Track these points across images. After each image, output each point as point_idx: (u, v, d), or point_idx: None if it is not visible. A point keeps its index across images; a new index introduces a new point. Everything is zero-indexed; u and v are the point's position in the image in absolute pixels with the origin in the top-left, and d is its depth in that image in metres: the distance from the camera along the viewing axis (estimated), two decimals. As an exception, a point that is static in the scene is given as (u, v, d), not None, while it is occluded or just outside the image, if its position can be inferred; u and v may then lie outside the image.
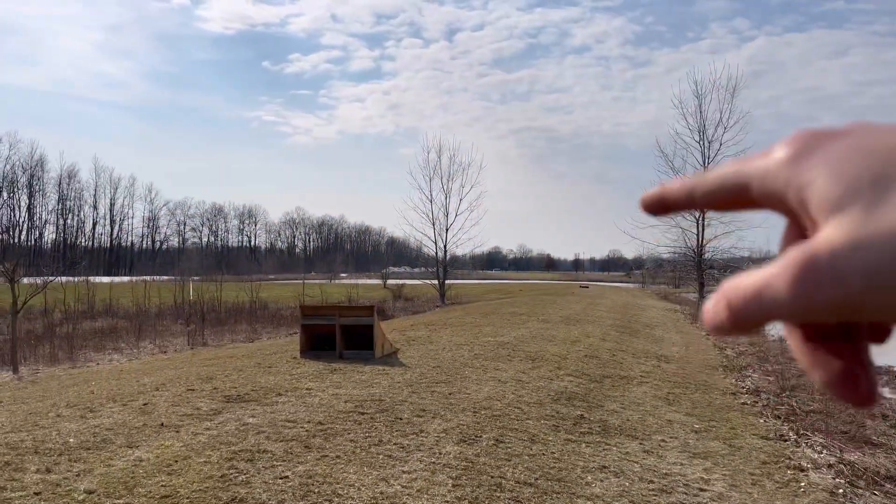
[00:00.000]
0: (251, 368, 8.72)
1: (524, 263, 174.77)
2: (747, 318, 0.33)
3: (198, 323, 20.46)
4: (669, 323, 21.11)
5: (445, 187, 35.70)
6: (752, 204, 0.37)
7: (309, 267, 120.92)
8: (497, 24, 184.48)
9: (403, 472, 4.55)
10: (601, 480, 4.77)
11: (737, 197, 0.37)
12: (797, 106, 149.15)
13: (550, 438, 5.74)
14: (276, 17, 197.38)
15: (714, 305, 0.35)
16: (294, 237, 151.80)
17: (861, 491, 5.26)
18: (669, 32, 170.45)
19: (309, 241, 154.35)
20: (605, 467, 5.09)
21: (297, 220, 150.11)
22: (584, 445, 5.65)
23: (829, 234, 0.30)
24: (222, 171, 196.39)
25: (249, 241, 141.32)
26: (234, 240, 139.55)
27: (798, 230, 0.36)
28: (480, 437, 5.57)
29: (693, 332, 18.71)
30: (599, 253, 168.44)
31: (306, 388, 7.22)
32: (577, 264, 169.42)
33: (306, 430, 5.47)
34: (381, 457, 4.85)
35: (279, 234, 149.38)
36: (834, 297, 0.29)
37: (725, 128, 30.84)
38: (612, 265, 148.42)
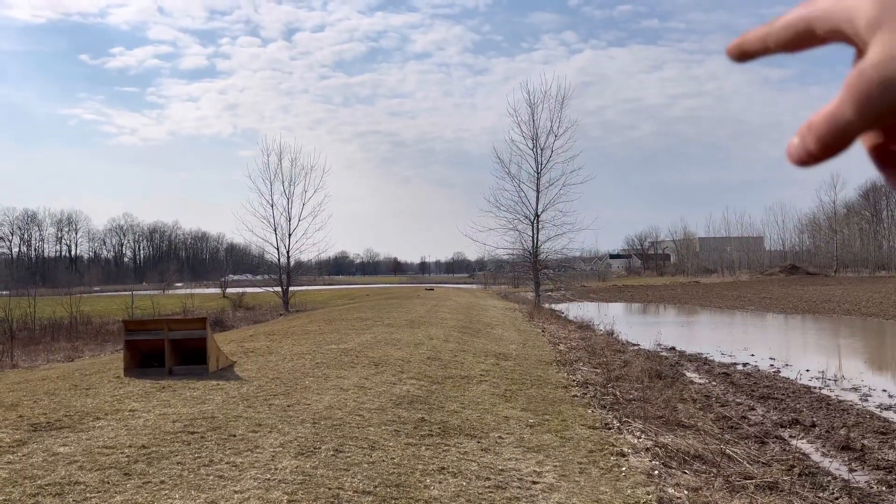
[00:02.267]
0: (66, 391, 7.92)
1: (372, 268, 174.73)
2: (830, 141, 0.40)
3: (5, 343, 18.31)
4: (508, 322, 21.99)
5: (287, 191, 34.80)
6: (820, 41, 0.43)
7: (140, 277, 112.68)
8: (338, 25, 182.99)
9: (235, 492, 4.32)
10: (440, 482, 4.83)
11: (804, 39, 0.44)
12: (620, 115, 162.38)
13: (391, 444, 5.72)
14: (95, 7, 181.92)
15: (800, 138, 0.41)
16: (122, 245, 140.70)
17: (674, 470, 5.74)
18: (506, 42, 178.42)
19: (139, 250, 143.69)
20: (443, 468, 5.16)
21: (124, 227, 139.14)
22: (423, 448, 5.69)
23: (873, 50, 0.37)
24: (36, 174, 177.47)
25: (69, 251, 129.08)
26: (50, 249, 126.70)
27: (860, 57, 0.41)
28: (319, 448, 5.43)
29: (530, 329, 19.62)
30: (445, 255, 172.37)
31: (129, 410, 6.67)
32: (423, 267, 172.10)
33: (127, 456, 5.04)
34: (210, 478, 4.58)
35: (104, 243, 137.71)
36: (884, 104, 0.36)
37: (556, 136, 32.89)
38: (457, 267, 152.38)
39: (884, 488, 6.39)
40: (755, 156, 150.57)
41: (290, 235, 34.52)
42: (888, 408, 10.33)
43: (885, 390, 11.81)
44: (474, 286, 73.15)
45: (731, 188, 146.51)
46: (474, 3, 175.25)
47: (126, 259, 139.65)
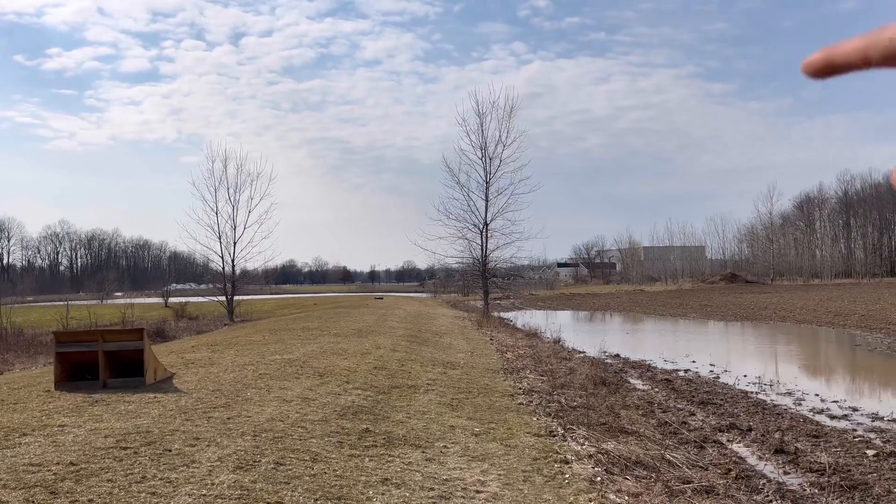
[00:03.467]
0: (-9, 407, 7.53)
1: (320, 276, 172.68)
2: (854, 58, 0.40)
3: (-73, 356, 17.36)
4: (457, 330, 22.03)
5: (232, 199, 34.15)
6: None
7: (76, 286, 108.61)
8: (286, 31, 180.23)
9: (169, 509, 4.17)
10: (382, 493, 4.76)
11: None
12: (569, 126, 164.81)
13: (333, 456, 5.63)
14: (31, 7, 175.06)
15: (823, 50, 0.42)
16: (58, 253, 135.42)
17: (616, 476, 5.81)
18: (456, 51, 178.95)
19: (76, 258, 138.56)
20: (387, 479, 5.10)
21: (60, 235, 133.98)
22: (367, 459, 5.62)
23: None
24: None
25: (1, 259, 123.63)
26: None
27: None
28: (259, 461, 5.30)
29: (478, 338, 19.70)
30: (394, 264, 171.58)
31: (58, 425, 6.39)
32: (373, 276, 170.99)
33: (54, 474, 4.82)
34: (143, 495, 4.40)
35: (39, 251, 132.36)
36: None
37: (505, 145, 33.20)
38: (407, 276, 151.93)
39: (816, 490, 6.60)
40: (698, 168, 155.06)
41: (235, 243, 33.89)
42: (820, 412, 10.72)
43: (817, 394, 12.25)
44: (424, 295, 73.13)
45: (674, 199, 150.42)
46: (424, 12, 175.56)
47: (62, 268, 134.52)
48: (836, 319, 29.09)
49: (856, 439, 8.69)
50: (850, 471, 7.11)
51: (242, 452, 5.51)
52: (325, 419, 6.93)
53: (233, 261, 33.94)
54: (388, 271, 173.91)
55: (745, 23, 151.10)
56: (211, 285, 37.04)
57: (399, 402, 8.30)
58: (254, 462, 5.27)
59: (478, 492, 5.05)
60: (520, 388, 10.28)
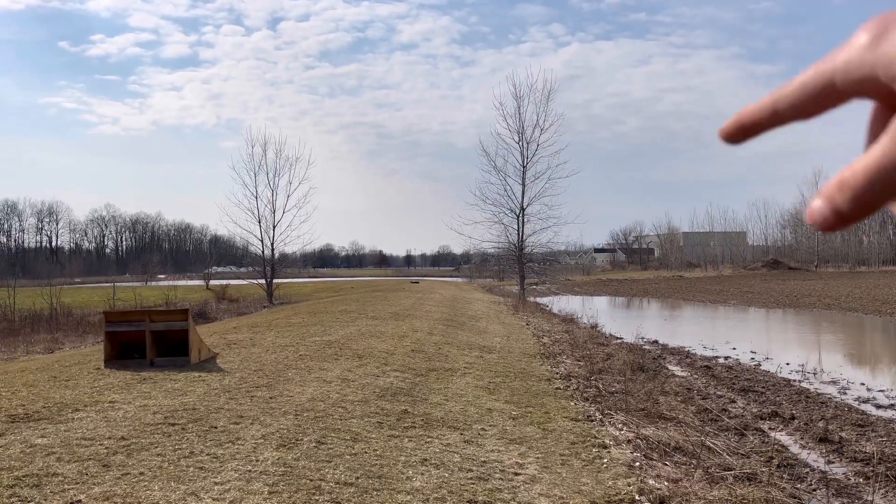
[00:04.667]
0: (45, 382, 7.83)
1: (357, 260, 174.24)
2: (872, 198, 0.35)
3: (-17, 334, 18.08)
4: (493, 315, 22.05)
5: (272, 183, 34.60)
6: (840, 98, 0.38)
7: (122, 269, 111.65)
8: (323, 15, 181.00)
9: (216, 483, 4.29)
10: (422, 474, 4.83)
11: (823, 96, 0.39)
12: (607, 109, 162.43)
13: (373, 436, 5.72)
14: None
15: (825, 200, 0.37)
16: (104, 236, 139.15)
17: (654, 462, 5.79)
18: (493, 34, 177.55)
19: (121, 241, 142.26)
20: (426, 460, 5.16)
21: (106, 218, 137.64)
22: (406, 440, 5.69)
23: None
24: (15, 164, 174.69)
25: (50, 242, 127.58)
26: (31, 240, 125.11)
27: (889, 109, 0.38)
28: (301, 440, 5.42)
29: (514, 322, 19.69)
30: (430, 248, 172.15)
31: (109, 402, 6.61)
32: (408, 260, 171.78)
33: (106, 448, 5.00)
34: (191, 469, 4.54)
35: (86, 234, 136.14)
36: None
37: (542, 129, 32.93)
38: (442, 260, 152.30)
39: (860, 480, 6.47)
40: (739, 152, 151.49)
41: (274, 227, 34.39)
42: (866, 401, 10.47)
43: (862, 384, 11.96)
44: (459, 279, 73.24)
45: (715, 183, 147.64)
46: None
47: (108, 250, 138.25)
48: (884, 308, 28.28)
49: (903, 430, 8.48)
50: (896, 461, 6.95)
51: (285, 431, 5.64)
52: (364, 400, 7.03)
53: (272, 244, 34.49)
54: (423, 256, 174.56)
55: (792, 1, 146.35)
56: (251, 268, 37.68)
57: (436, 384, 8.37)
58: (296, 440, 5.39)
59: (516, 474, 5.08)
60: (557, 373, 10.27)
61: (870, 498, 5.85)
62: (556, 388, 8.91)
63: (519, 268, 34.60)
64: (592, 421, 7.06)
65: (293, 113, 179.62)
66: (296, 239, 35.57)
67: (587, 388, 9.15)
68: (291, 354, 9.87)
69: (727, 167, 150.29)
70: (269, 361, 9.22)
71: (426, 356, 10.48)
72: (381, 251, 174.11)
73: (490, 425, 6.52)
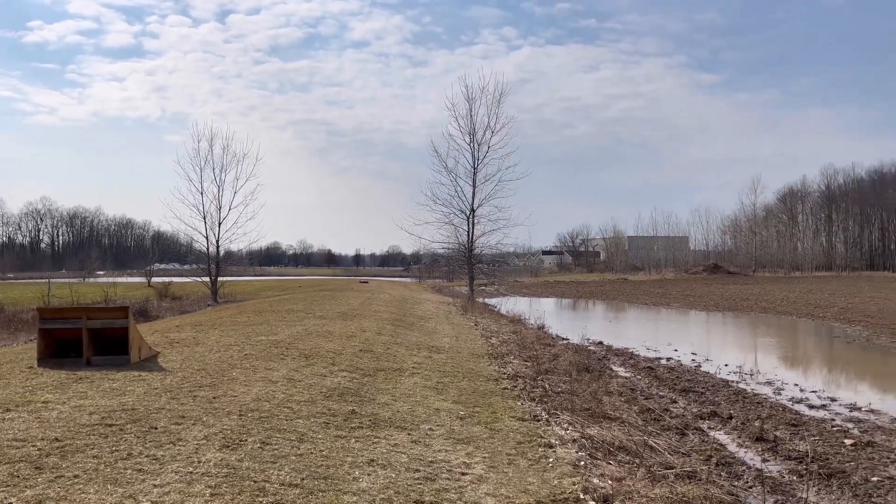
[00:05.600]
0: (-28, 382, 7.46)
1: (304, 259, 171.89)
2: None
3: None
4: (442, 315, 22.07)
5: (218, 179, 33.83)
6: None
7: (58, 264, 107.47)
8: (273, 9, 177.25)
9: (155, 486, 4.16)
10: (368, 474, 4.79)
11: None
12: (558, 113, 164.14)
13: (320, 436, 5.65)
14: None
15: None
16: (39, 231, 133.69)
17: (599, 461, 5.88)
18: (446, 34, 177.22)
19: (58, 236, 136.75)
20: (373, 461, 5.12)
21: (42, 212, 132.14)
22: (353, 440, 5.64)
23: None
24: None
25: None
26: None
27: None
28: (246, 440, 5.31)
29: (463, 323, 19.75)
30: (380, 248, 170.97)
31: (42, 402, 6.34)
32: (358, 259, 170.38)
33: (38, 449, 4.79)
34: (129, 472, 4.40)
35: (20, 228, 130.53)
36: None
37: (493, 132, 33.11)
38: (392, 260, 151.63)
39: (794, 477, 6.72)
40: (684, 158, 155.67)
41: (220, 224, 33.65)
42: (799, 401, 10.89)
43: (796, 384, 12.43)
44: (409, 280, 73.12)
45: (660, 189, 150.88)
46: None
47: (43, 245, 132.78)
48: (816, 311, 29.48)
49: (834, 428, 8.84)
50: (828, 459, 7.24)
51: (229, 431, 5.51)
52: (311, 400, 6.94)
53: (217, 241, 33.76)
54: (373, 255, 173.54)
55: (736, 13, 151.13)
56: (195, 266, 36.80)
57: (384, 384, 8.32)
58: (240, 441, 5.27)
59: (463, 474, 5.09)
60: (504, 373, 10.34)
61: (803, 495, 6.07)
62: (504, 389, 8.97)
63: (468, 268, 34.77)
64: (539, 421, 7.13)
65: (242, 108, 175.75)
66: (242, 236, 34.93)
67: (534, 388, 9.24)
68: (236, 354, 9.67)
69: (672, 174, 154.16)
70: (212, 361, 9.01)
71: (374, 356, 10.42)
72: (329, 250, 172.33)
73: (438, 425, 6.52)
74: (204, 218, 33.43)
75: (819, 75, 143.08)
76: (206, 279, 33.73)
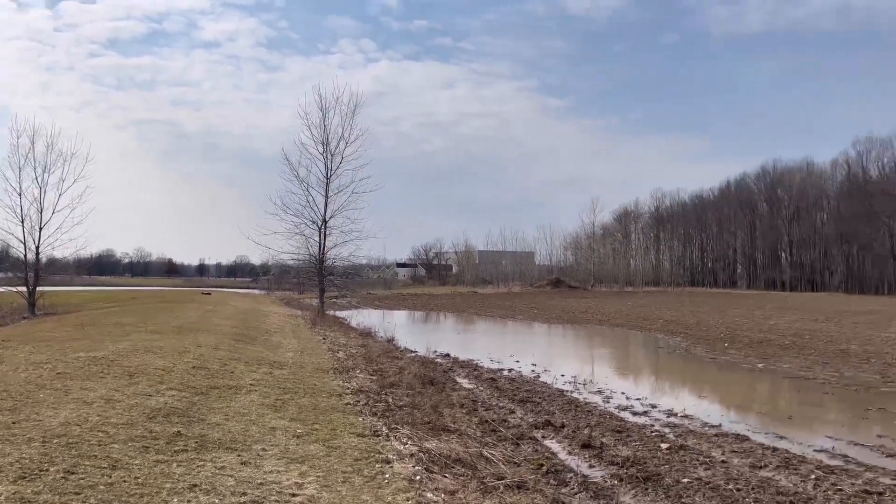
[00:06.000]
0: None
1: (142, 268, 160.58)
2: None
3: None
4: (289, 329, 21.44)
5: (39, 179, 30.69)
6: None
7: None
8: (112, 0, 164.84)
9: (-77, 529, 3.61)
10: (188, 501, 4.47)
11: None
12: (414, 128, 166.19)
13: (136, 462, 5.20)
14: None
15: None
16: None
17: (435, 475, 5.91)
18: (302, 41, 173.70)
19: None
20: (195, 486, 4.79)
21: None
22: (175, 465, 5.25)
23: None
24: None
25: None
26: None
27: None
28: (47, 470, 4.77)
29: (310, 336, 19.29)
30: (226, 258, 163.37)
31: None
32: (202, 269, 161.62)
33: None
34: None
35: None
36: None
37: (347, 142, 32.77)
38: (239, 270, 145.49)
39: (615, 482, 7.14)
40: (532, 178, 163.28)
41: (41, 228, 30.50)
42: (625, 408, 11.65)
43: (623, 392, 13.32)
44: (257, 291, 70.53)
45: (509, 206, 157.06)
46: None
47: None
48: (645, 324, 31.94)
49: (653, 434, 9.53)
50: (645, 463, 7.77)
51: (27, 460, 4.94)
52: (130, 422, 6.40)
53: (37, 248, 30.54)
54: (219, 265, 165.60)
55: (580, 43, 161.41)
56: (10, 274, 33.12)
57: (218, 403, 7.88)
58: (40, 471, 4.73)
59: (293, 495, 4.90)
60: (348, 388, 10.18)
61: (622, 499, 6.46)
62: (346, 404, 8.81)
63: (319, 280, 34.08)
64: (379, 436, 7.06)
65: (74, 103, 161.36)
66: (68, 242, 31.79)
67: (377, 402, 9.16)
68: (47, 373, 8.74)
69: (520, 192, 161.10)
70: (17, 381, 8.07)
71: (209, 373, 9.85)
72: (170, 259, 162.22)
73: (272, 445, 6.25)
74: (22, 221, 30.19)
75: (653, 106, 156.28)
76: (23, 289, 30.45)
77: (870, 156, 79.60)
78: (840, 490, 6.95)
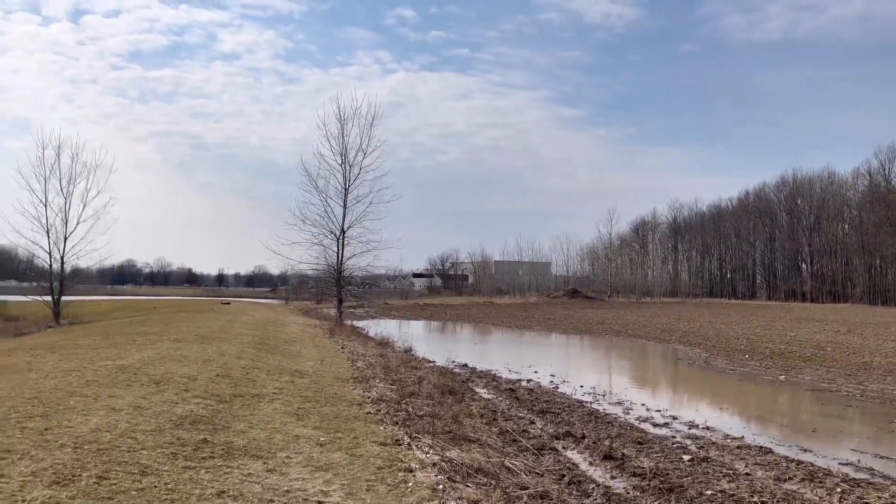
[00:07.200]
0: None
1: (163, 278, 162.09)
2: None
3: None
4: (308, 338, 21.57)
5: (65, 191, 31.23)
6: None
7: None
8: (135, 13, 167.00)
9: (-34, 531, 3.72)
10: (217, 507, 4.55)
11: None
12: (430, 139, 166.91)
13: (166, 468, 5.30)
14: None
15: None
16: None
17: (457, 484, 5.95)
18: (320, 53, 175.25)
19: None
20: (223, 492, 4.88)
21: None
22: (203, 471, 5.34)
23: None
24: None
25: None
26: None
27: None
28: (80, 475, 4.87)
29: (329, 346, 19.40)
30: (245, 268, 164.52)
31: None
32: (221, 279, 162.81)
33: None
34: (-66, 517, 3.90)
35: None
36: None
37: (365, 153, 33.00)
38: (258, 281, 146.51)
39: (638, 493, 7.13)
40: (548, 188, 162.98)
41: (66, 239, 31.02)
42: (645, 420, 11.61)
43: (643, 404, 13.26)
44: (276, 301, 70.94)
45: (525, 216, 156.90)
46: (288, 9, 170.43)
47: None
48: (663, 335, 31.74)
49: (674, 445, 9.50)
50: (668, 474, 7.75)
51: (60, 466, 5.04)
52: (158, 429, 6.51)
53: (62, 258, 31.05)
54: (237, 275, 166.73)
55: (596, 52, 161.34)
56: (36, 284, 33.66)
57: (242, 411, 7.97)
58: (73, 476, 4.84)
59: (319, 502, 4.96)
60: (368, 397, 10.24)
61: (644, 509, 6.45)
62: (367, 413, 8.87)
63: (337, 290, 34.26)
64: (400, 445, 7.11)
65: (96, 115, 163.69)
66: (91, 252, 32.28)
67: (398, 411, 9.22)
68: (76, 380, 8.90)
69: (536, 202, 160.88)
70: (47, 388, 8.23)
71: (232, 381, 9.97)
72: (189, 269, 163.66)
73: (296, 452, 6.32)
74: (47, 232, 30.73)
75: (669, 116, 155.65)
76: (48, 298, 30.95)
77: (892, 165, 78.72)
78: (866, 503, 6.89)
